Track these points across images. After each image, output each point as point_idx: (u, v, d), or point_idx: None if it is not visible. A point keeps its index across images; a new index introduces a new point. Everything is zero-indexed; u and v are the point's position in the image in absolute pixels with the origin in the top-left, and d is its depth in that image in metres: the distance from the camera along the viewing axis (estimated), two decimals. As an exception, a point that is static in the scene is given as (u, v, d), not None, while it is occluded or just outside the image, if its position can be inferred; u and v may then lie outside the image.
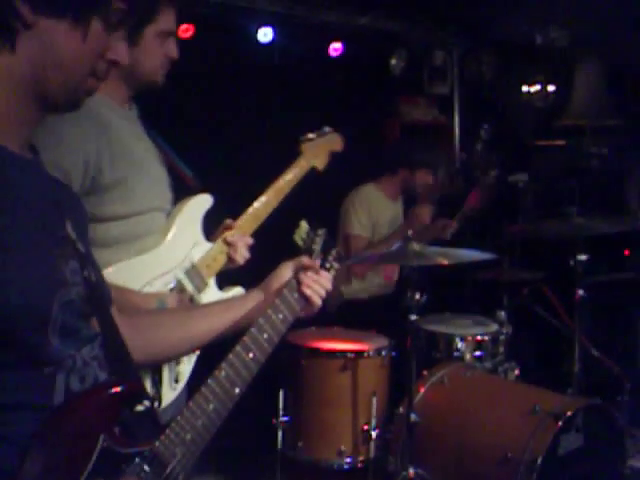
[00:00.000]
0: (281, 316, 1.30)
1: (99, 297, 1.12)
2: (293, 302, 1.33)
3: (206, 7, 3.65)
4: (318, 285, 1.36)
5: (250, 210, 2.02)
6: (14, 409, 0.96)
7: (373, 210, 3.54)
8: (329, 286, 1.38)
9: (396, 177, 3.63)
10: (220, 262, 1.93)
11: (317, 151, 2.17)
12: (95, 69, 1.05)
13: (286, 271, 1.38)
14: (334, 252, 1.48)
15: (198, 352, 1.87)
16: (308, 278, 1.35)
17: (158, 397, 1.75)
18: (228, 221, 1.99)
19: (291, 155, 2.14)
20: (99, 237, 1.67)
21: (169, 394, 1.79)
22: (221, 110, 3.84)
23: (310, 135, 2.17)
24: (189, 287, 1.84)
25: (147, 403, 1.10)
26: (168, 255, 1.82)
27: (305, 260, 1.38)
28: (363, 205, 3.53)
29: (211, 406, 1.18)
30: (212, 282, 1.94)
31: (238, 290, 1.98)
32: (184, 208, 1.88)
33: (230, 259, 1.94)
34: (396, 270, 3.58)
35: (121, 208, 1.71)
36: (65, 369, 1.01)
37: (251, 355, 1.24)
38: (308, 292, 1.34)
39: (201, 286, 1.88)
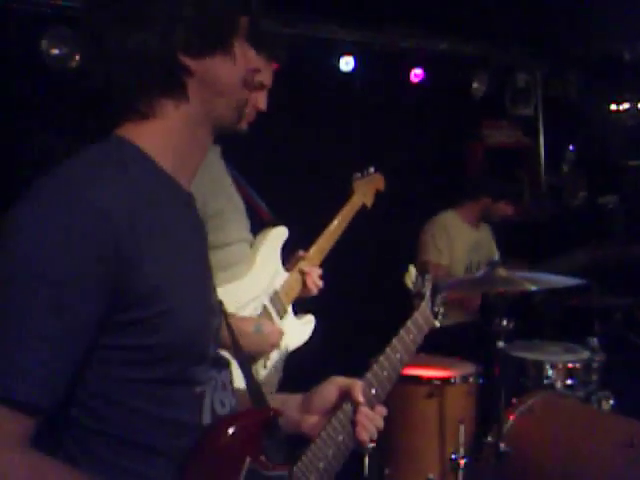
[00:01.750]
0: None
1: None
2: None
3: (288, 39, 3.75)
4: (373, 425, 1.24)
5: (317, 242, 2.16)
6: (168, 424, 1.03)
7: (452, 237, 3.51)
8: (382, 424, 1.26)
9: (477, 204, 3.59)
10: (296, 290, 2.07)
11: (366, 189, 2.36)
12: (245, 81, 1.13)
13: (332, 392, 1.26)
14: (440, 297, 1.52)
15: (281, 374, 2.04)
16: (364, 418, 1.23)
17: None
18: (301, 252, 2.13)
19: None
20: None
21: None
22: (303, 139, 3.92)
23: (359, 174, 2.37)
24: (273, 313, 1.98)
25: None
26: (255, 283, 1.95)
27: (356, 390, 1.23)
28: (442, 232, 3.50)
29: (340, 437, 1.21)
30: (289, 309, 2.07)
31: (310, 317, 2.14)
32: (266, 239, 2.03)
33: (305, 288, 2.08)
34: (477, 302, 3.50)
35: (217, 238, 1.82)
36: (211, 390, 1.09)
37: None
38: (363, 436, 1.22)
39: (282, 312, 2.01)
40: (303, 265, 2.09)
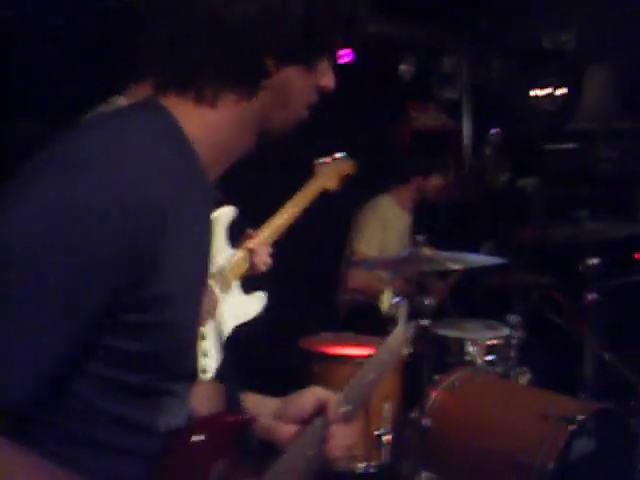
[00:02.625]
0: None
1: None
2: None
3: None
4: (344, 444, 1.21)
5: (269, 223, 2.24)
6: (137, 427, 0.96)
7: (388, 224, 3.53)
8: (353, 442, 1.24)
9: (409, 185, 3.62)
10: (243, 267, 2.14)
11: (329, 174, 2.43)
12: (310, 100, 1.09)
13: (309, 402, 1.21)
14: (413, 324, 1.57)
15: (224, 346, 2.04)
16: (336, 436, 1.19)
17: None
18: (250, 231, 2.21)
19: (306, 171, 2.30)
20: None
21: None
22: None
23: (323, 159, 2.42)
24: (215, 287, 2.05)
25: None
26: None
27: (331, 406, 1.19)
28: (378, 220, 3.52)
29: (310, 452, 1.16)
30: (236, 285, 2.15)
31: (259, 294, 2.22)
32: (211, 217, 2.03)
33: (252, 265, 2.16)
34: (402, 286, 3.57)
35: None
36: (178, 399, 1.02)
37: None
38: (332, 454, 1.18)
39: (225, 287, 2.09)
40: (251, 243, 2.15)
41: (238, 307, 2.15)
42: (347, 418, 1.24)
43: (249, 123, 1.02)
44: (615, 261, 3.48)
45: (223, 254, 2.11)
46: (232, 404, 1.14)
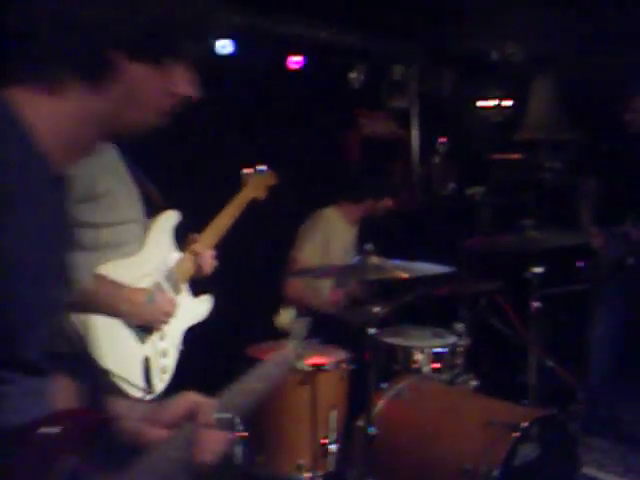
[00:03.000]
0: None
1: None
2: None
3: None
4: (212, 449, 1.18)
5: (209, 227, 2.33)
6: None
7: (331, 236, 3.52)
8: (224, 450, 1.21)
9: (360, 206, 3.61)
10: (189, 270, 2.20)
11: (257, 184, 2.57)
12: (164, 106, 1.09)
13: (181, 407, 1.21)
14: (313, 341, 1.55)
15: (180, 347, 2.15)
16: (205, 439, 1.17)
17: (150, 387, 1.95)
18: (193, 235, 2.27)
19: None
20: (90, 242, 1.89)
21: (159, 385, 1.99)
22: (180, 124, 3.82)
23: (249, 171, 2.58)
24: (167, 289, 2.09)
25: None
26: (147, 261, 2.06)
27: (204, 411, 1.19)
28: (320, 231, 3.50)
29: (176, 454, 1.15)
30: (185, 288, 2.21)
31: (206, 297, 2.28)
32: (157, 222, 2.15)
33: (199, 268, 2.22)
34: (342, 297, 3.57)
35: (109, 216, 1.93)
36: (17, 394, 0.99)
37: None
38: (199, 457, 1.16)
39: (176, 290, 2.13)
40: (196, 247, 2.22)
41: (188, 310, 2.18)
42: (223, 425, 1.22)
43: (98, 117, 1.04)
44: (558, 269, 3.57)
45: (172, 257, 2.16)
46: (94, 404, 1.13)
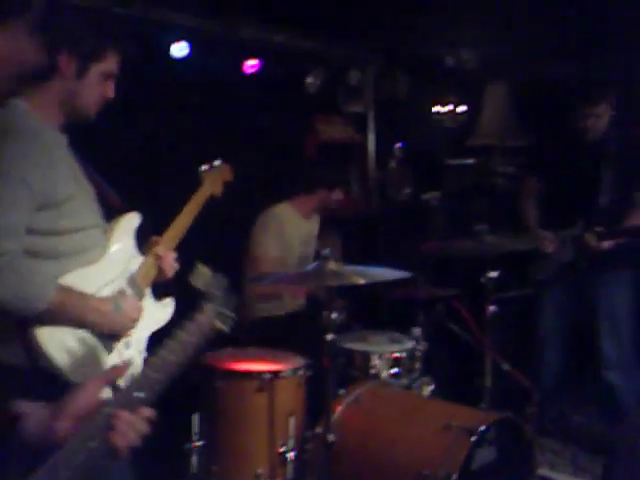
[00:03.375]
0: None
1: None
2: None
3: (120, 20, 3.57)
4: (133, 431, 1.16)
5: (170, 229, 2.28)
6: None
7: (286, 230, 3.51)
8: (145, 429, 1.18)
9: (313, 196, 3.62)
10: (152, 274, 2.15)
11: (214, 180, 2.53)
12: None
13: (86, 395, 1.19)
14: (234, 300, 1.45)
15: (145, 354, 2.07)
16: (122, 423, 1.15)
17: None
18: (154, 238, 2.22)
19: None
20: (50, 250, 1.83)
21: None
22: (135, 127, 3.75)
23: (206, 167, 2.54)
24: (132, 295, 2.04)
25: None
26: (110, 267, 2.00)
27: (94, 387, 1.18)
28: (275, 226, 3.49)
29: (93, 444, 1.11)
30: (148, 292, 2.16)
31: (169, 300, 2.22)
32: (118, 225, 2.10)
33: (161, 271, 2.17)
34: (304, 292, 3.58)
35: (70, 223, 1.87)
36: None
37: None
38: (118, 442, 1.14)
39: (140, 294, 2.08)
40: (157, 250, 2.17)
41: (152, 314, 2.13)
42: (140, 403, 1.20)
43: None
44: (512, 274, 3.61)
45: (135, 261, 2.12)
46: None
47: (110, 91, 2.00)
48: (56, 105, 1.92)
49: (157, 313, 2.17)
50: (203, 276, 1.45)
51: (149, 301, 2.15)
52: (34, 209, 1.77)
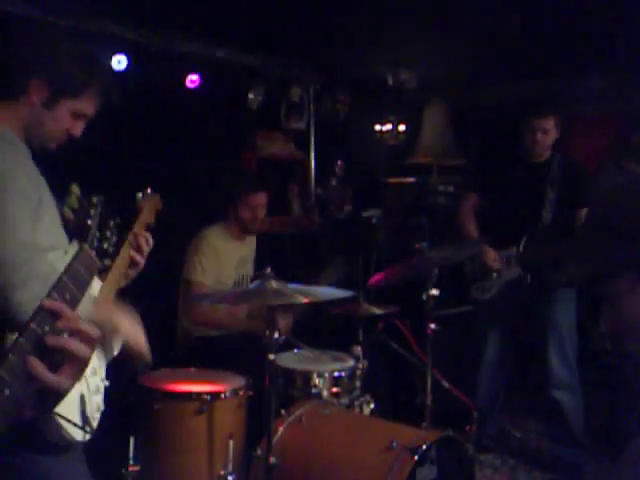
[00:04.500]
0: None
1: None
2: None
3: (58, 31, 3.48)
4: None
5: (115, 267, 2.05)
6: None
7: (219, 253, 3.46)
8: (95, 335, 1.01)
9: (229, 216, 3.56)
10: (111, 298, 1.98)
11: (149, 208, 2.37)
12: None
13: None
14: (112, 224, 1.24)
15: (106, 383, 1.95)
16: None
17: (89, 426, 1.76)
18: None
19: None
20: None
21: (94, 424, 1.81)
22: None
23: (141, 194, 2.35)
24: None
25: None
26: None
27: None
28: (208, 249, 3.42)
29: None
30: None
31: (85, 323, 2.00)
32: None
33: (134, 262, 2.05)
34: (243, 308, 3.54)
35: (47, 240, 1.75)
36: None
37: None
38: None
39: None
40: (130, 235, 2.05)
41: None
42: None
43: None
44: (452, 291, 3.65)
45: (94, 285, 1.95)
46: None
47: (77, 130, 1.93)
48: (19, 125, 1.84)
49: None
50: (72, 200, 1.23)
51: None
52: (33, 222, 1.71)
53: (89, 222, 1.19)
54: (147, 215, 2.35)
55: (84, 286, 1.10)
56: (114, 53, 3.89)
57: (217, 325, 3.43)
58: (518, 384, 4.18)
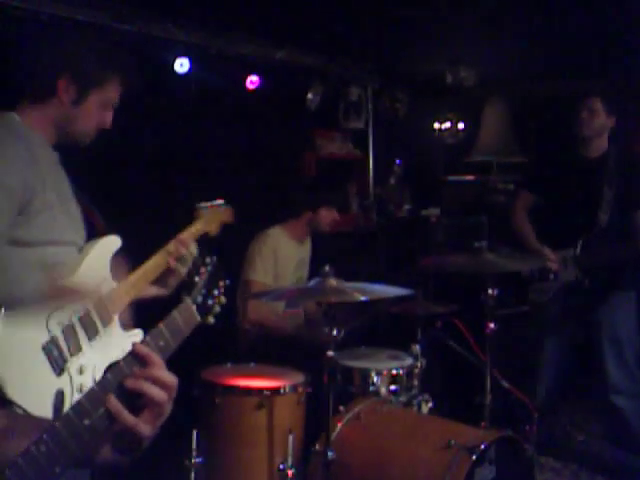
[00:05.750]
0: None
1: None
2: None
3: (121, 36, 3.59)
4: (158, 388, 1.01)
5: (141, 270, 2.09)
6: None
7: (279, 254, 3.51)
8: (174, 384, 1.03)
9: (300, 220, 3.63)
10: (125, 301, 2.01)
11: (211, 219, 2.39)
12: None
13: None
14: (222, 284, 1.29)
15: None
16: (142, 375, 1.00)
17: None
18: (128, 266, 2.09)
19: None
20: (17, 259, 1.76)
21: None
22: (136, 142, 3.76)
23: (205, 204, 2.39)
24: (96, 319, 1.90)
25: None
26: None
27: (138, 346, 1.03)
28: (269, 250, 3.49)
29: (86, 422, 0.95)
30: (116, 319, 2.00)
31: (137, 331, 2.04)
32: (95, 246, 1.97)
33: (170, 272, 2.07)
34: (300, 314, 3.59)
35: (42, 235, 1.79)
36: None
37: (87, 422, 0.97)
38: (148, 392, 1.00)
39: (107, 320, 1.94)
40: (169, 246, 2.09)
41: (116, 343, 1.96)
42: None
43: None
44: (512, 291, 3.60)
45: (107, 284, 1.97)
46: None
47: (108, 120, 1.97)
48: (51, 126, 1.89)
49: (123, 343, 1.99)
50: (189, 257, 1.30)
51: (116, 329, 1.98)
52: (14, 215, 1.72)
53: (196, 279, 1.26)
54: (205, 225, 2.34)
55: (179, 336, 1.15)
56: (176, 57, 3.99)
57: (272, 326, 3.47)
58: (581, 386, 4.10)
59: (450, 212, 5.09)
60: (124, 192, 3.53)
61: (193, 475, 2.53)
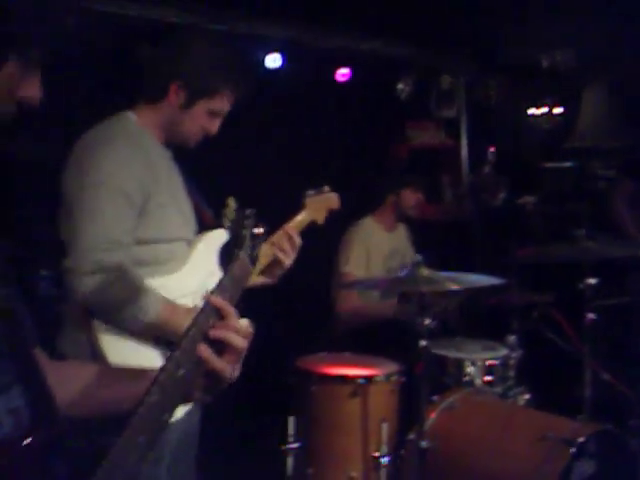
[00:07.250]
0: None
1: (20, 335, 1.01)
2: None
3: (213, 35, 3.70)
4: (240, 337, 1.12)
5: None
6: None
7: (370, 245, 3.53)
8: (251, 331, 1.14)
9: (386, 205, 3.63)
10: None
11: (318, 207, 2.39)
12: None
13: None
14: (263, 238, 1.33)
15: None
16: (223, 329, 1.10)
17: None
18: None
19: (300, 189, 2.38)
20: (131, 258, 1.82)
21: (180, 409, 1.79)
22: (230, 136, 3.87)
23: (312, 192, 2.40)
24: None
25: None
26: (186, 281, 1.97)
27: (217, 301, 1.11)
28: (358, 241, 3.52)
29: (141, 438, 1.02)
30: None
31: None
32: (203, 240, 2.06)
33: (275, 262, 2.14)
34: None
35: (156, 233, 1.88)
36: None
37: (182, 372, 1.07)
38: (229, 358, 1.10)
39: None
40: (274, 238, 2.13)
41: None
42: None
43: None
44: (612, 280, 3.48)
45: (213, 278, 2.05)
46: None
47: (214, 128, 2.03)
48: (160, 126, 1.99)
49: None
50: (229, 212, 1.33)
51: None
52: (136, 218, 1.82)
53: (243, 232, 1.31)
54: (312, 213, 2.36)
55: (240, 288, 1.24)
56: (268, 52, 4.08)
57: (369, 313, 3.50)
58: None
59: (547, 200, 4.95)
60: (227, 186, 3.64)
61: (290, 460, 2.61)
